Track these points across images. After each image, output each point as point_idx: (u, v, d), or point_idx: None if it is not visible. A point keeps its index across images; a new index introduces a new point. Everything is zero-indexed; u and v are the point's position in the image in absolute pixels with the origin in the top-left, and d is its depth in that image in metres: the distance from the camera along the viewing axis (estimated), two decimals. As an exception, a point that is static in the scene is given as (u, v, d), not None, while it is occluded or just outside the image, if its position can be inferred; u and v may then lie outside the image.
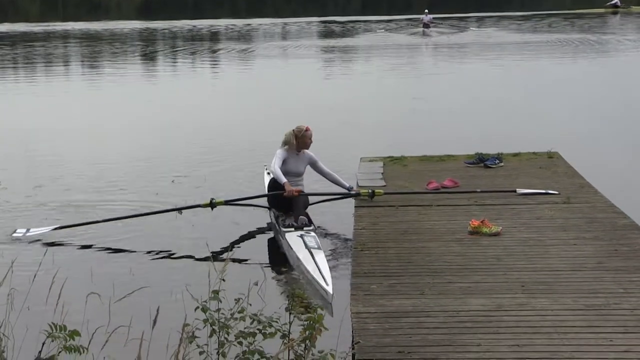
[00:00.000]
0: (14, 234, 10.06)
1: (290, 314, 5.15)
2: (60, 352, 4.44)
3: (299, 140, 10.15)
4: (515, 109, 20.26)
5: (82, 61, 38.08)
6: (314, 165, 10.38)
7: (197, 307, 4.97)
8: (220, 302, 4.99)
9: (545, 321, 6.27)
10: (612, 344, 5.84)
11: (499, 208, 9.80)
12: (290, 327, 5.08)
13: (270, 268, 9.15)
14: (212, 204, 10.20)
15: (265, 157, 12.19)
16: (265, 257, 9.60)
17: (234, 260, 9.19)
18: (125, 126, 19.34)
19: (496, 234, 8.63)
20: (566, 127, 17.58)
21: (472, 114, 19.61)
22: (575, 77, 27.17)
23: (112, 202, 11.87)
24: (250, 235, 10.39)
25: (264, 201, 10.55)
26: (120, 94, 25.58)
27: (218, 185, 12.68)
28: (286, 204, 9.86)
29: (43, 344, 4.54)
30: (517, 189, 10.50)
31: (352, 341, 6.19)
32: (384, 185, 10.99)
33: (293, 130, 10.16)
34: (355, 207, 10.23)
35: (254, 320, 4.98)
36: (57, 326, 4.50)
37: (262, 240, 10.25)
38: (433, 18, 55.35)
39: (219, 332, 4.96)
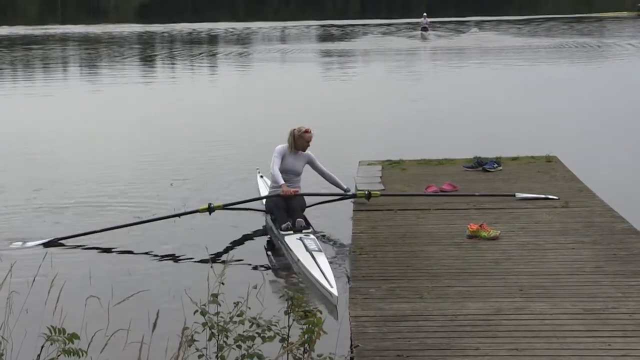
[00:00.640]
0: (12, 246, 9.86)
1: (289, 317, 5.15)
2: (59, 355, 4.43)
3: (296, 141, 10.15)
4: (513, 113, 20.29)
5: (81, 64, 38.10)
6: (312, 164, 10.39)
7: (196, 311, 4.97)
8: (220, 305, 4.99)
9: (543, 325, 6.27)
10: (611, 348, 5.84)
11: (498, 212, 9.81)
12: (289, 330, 5.08)
13: (269, 271, 9.16)
14: (210, 209, 10.20)
15: (262, 160, 12.18)
16: (264, 261, 9.60)
17: (232, 264, 9.18)
18: (124, 129, 19.35)
19: (495, 238, 8.63)
20: (565, 131, 17.61)
21: (470, 117, 19.64)
22: (573, 81, 27.21)
23: (110, 206, 11.87)
24: (248, 239, 10.39)
25: (261, 205, 10.56)
26: (119, 97, 25.59)
27: (216, 189, 12.69)
28: (284, 207, 9.86)
29: (42, 347, 4.53)
30: (516, 193, 10.50)
31: (351, 345, 6.20)
32: (383, 189, 10.99)
33: (293, 129, 10.17)
34: (353, 210, 10.23)
35: (253, 323, 4.98)
36: (56, 329, 4.49)
37: (261, 243, 10.25)
38: (430, 22, 55.55)
39: (218, 335, 4.96)
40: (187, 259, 9.50)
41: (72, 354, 4.44)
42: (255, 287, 5.31)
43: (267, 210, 10.25)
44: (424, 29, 54.29)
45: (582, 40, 44.26)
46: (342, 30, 56.17)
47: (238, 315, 5.01)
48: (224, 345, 4.97)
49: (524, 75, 29.05)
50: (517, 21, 62.99)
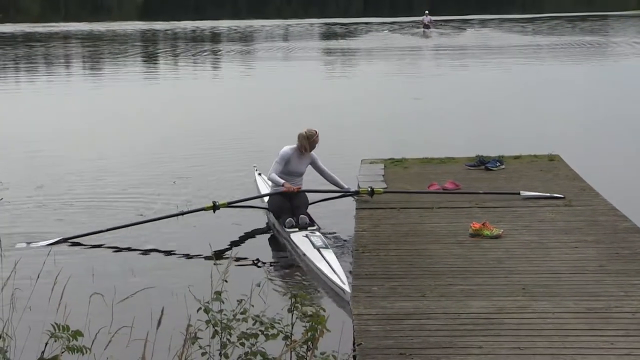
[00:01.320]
0: (17, 246, 9.79)
1: (292, 315, 5.16)
2: (63, 352, 4.44)
3: (310, 143, 10.19)
4: (516, 111, 20.28)
5: (84, 61, 38.11)
6: (314, 164, 10.42)
7: (200, 308, 4.99)
8: (223, 303, 5.01)
9: (546, 324, 6.28)
10: (614, 347, 5.84)
11: (500, 210, 9.81)
12: (292, 328, 5.09)
13: (272, 269, 9.17)
14: (214, 207, 10.21)
15: (265, 158, 12.19)
16: (267, 258, 9.61)
17: (236, 262, 9.18)
18: (126, 127, 19.36)
19: (497, 237, 8.64)
20: (567, 129, 17.60)
21: (473, 116, 19.63)
22: (576, 79, 27.19)
23: (113, 204, 11.88)
24: (252, 236, 10.41)
25: (265, 203, 10.57)
26: (122, 94, 25.59)
27: (219, 187, 12.69)
28: (287, 205, 9.90)
29: (46, 344, 4.54)
30: (521, 192, 10.49)
31: (354, 343, 6.21)
32: (385, 188, 10.99)
33: (305, 132, 10.19)
34: (356, 209, 10.24)
35: (256, 321, 4.99)
36: (60, 326, 4.50)
37: (264, 241, 10.26)
38: (432, 20, 55.71)
39: (222, 333, 4.97)
40: (191, 256, 9.52)
41: (75, 350, 4.45)
42: (258, 285, 5.31)
43: (271, 208, 10.27)
44: (426, 26, 54.47)
45: (586, 38, 44.22)
46: (346, 29, 56.16)
47: (241, 313, 5.02)
48: (228, 342, 4.98)
49: (526, 74, 29.03)
50: (520, 19, 62.94)
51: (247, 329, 4.98)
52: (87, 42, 48.30)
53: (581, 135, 17.16)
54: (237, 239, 10.25)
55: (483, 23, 59.72)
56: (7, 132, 18.24)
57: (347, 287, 7.60)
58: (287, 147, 10.22)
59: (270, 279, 8.12)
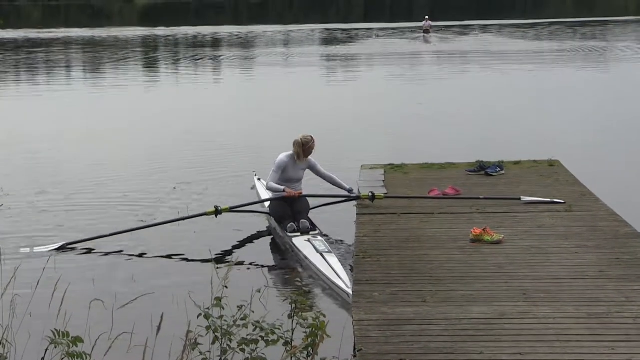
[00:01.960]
0: (20, 251, 9.77)
1: (292, 321, 5.16)
2: (63, 358, 4.44)
3: (305, 150, 10.19)
4: (516, 117, 20.28)
5: (84, 67, 38.15)
6: (312, 168, 10.43)
7: (200, 314, 4.98)
8: (223, 309, 5.00)
9: (547, 329, 6.27)
10: (614, 352, 5.83)
11: (501, 216, 9.80)
12: (292, 334, 5.08)
13: (272, 275, 9.17)
14: (217, 212, 10.21)
15: (265, 163, 12.19)
16: (267, 264, 9.60)
17: (236, 267, 9.18)
18: (127, 132, 19.37)
19: (498, 242, 8.63)
20: (567, 135, 17.60)
21: (473, 121, 19.63)
22: (576, 85, 27.19)
23: (114, 210, 11.88)
24: (252, 242, 10.41)
25: (266, 208, 10.58)
26: (122, 100, 25.61)
27: (219, 192, 12.70)
28: (288, 209, 9.91)
29: (46, 350, 4.54)
30: (522, 197, 10.49)
31: (354, 349, 6.20)
32: (386, 193, 10.99)
33: (300, 139, 10.19)
34: (357, 214, 10.24)
35: (256, 327, 4.99)
36: (60, 332, 4.50)
37: (264, 246, 10.26)
38: (432, 25, 56.11)
39: (222, 339, 4.97)
40: (191, 262, 9.52)
41: (75, 357, 4.44)
42: (259, 291, 5.31)
43: (272, 213, 10.27)
44: (426, 31, 54.87)
45: (586, 44, 44.26)
46: (347, 34, 56.22)
47: (242, 319, 5.02)
48: (228, 348, 4.98)
49: (526, 79, 29.04)
50: (521, 25, 62.99)
51: (247, 335, 4.98)
52: (88, 47, 48.36)
53: (581, 140, 17.16)
54: (238, 244, 10.25)
55: (484, 29, 59.77)
56: (8, 137, 18.25)
57: (350, 291, 7.60)
58: (283, 155, 10.22)
59: (270, 285, 8.12)
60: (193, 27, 66.10)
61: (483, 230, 8.76)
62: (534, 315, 6.57)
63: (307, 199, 10.24)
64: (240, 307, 5.07)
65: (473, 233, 8.76)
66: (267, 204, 10.57)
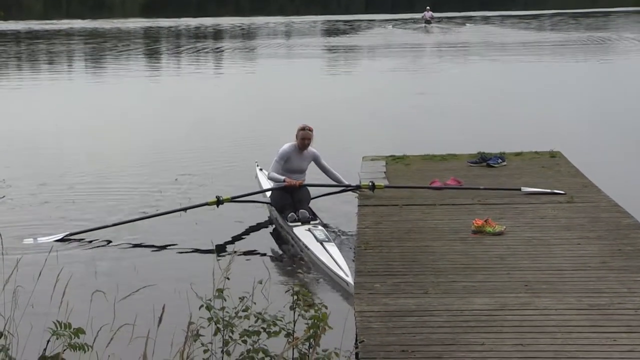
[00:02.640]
0: (24, 242, 9.79)
1: (294, 312, 5.16)
2: (65, 349, 4.44)
3: (298, 140, 10.18)
4: (517, 108, 20.26)
5: (86, 58, 38.13)
6: (316, 161, 10.43)
7: (202, 306, 4.98)
8: (225, 300, 5.00)
9: (549, 320, 6.26)
10: (616, 343, 5.83)
11: (503, 207, 9.80)
12: (294, 325, 5.08)
13: (274, 266, 9.17)
14: (218, 201, 10.21)
15: (266, 154, 12.18)
16: (269, 254, 9.60)
17: (238, 258, 9.16)
18: (128, 124, 19.37)
19: (500, 233, 8.63)
20: (569, 126, 17.59)
21: (474, 113, 19.62)
22: (577, 76, 27.16)
23: (116, 201, 11.88)
24: (254, 233, 10.42)
25: (267, 198, 10.58)
26: (124, 91, 25.61)
27: (221, 183, 12.70)
28: (289, 199, 9.91)
29: (48, 341, 4.54)
30: (522, 188, 10.48)
31: (356, 340, 6.20)
32: (387, 184, 10.98)
33: (299, 128, 10.20)
34: (358, 206, 10.24)
35: (258, 318, 4.99)
36: (62, 324, 4.50)
37: (266, 237, 10.27)
38: (433, 15, 56.21)
39: (224, 330, 4.97)
40: (192, 253, 9.52)
41: (77, 348, 4.44)
42: (260, 282, 5.31)
43: (273, 203, 10.28)
44: (428, 21, 54.92)
45: (589, 35, 44.16)
46: (349, 25, 56.14)
47: (243, 310, 5.02)
48: (230, 340, 4.98)
49: (527, 70, 29.00)
50: (523, 16, 62.85)
51: (249, 327, 4.98)
52: (90, 39, 48.30)
53: (583, 131, 17.14)
54: (239, 234, 10.26)
55: (486, 20, 59.65)
56: (10, 129, 18.24)
57: (350, 280, 7.61)
58: (287, 145, 10.22)
59: (272, 276, 8.11)
60: (195, 19, 66.02)
61: (485, 221, 8.76)
62: (536, 306, 6.56)
63: (308, 189, 10.24)
64: (242, 299, 5.07)
65: (475, 224, 8.76)
66: (268, 193, 10.57)
